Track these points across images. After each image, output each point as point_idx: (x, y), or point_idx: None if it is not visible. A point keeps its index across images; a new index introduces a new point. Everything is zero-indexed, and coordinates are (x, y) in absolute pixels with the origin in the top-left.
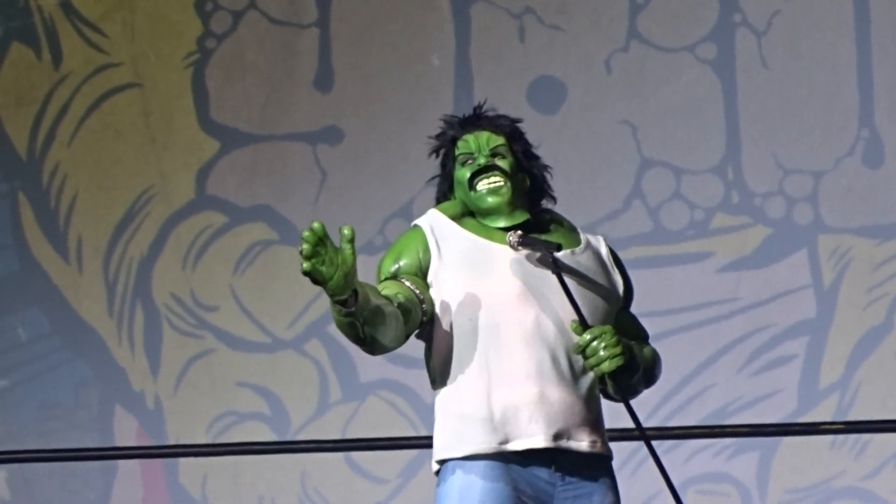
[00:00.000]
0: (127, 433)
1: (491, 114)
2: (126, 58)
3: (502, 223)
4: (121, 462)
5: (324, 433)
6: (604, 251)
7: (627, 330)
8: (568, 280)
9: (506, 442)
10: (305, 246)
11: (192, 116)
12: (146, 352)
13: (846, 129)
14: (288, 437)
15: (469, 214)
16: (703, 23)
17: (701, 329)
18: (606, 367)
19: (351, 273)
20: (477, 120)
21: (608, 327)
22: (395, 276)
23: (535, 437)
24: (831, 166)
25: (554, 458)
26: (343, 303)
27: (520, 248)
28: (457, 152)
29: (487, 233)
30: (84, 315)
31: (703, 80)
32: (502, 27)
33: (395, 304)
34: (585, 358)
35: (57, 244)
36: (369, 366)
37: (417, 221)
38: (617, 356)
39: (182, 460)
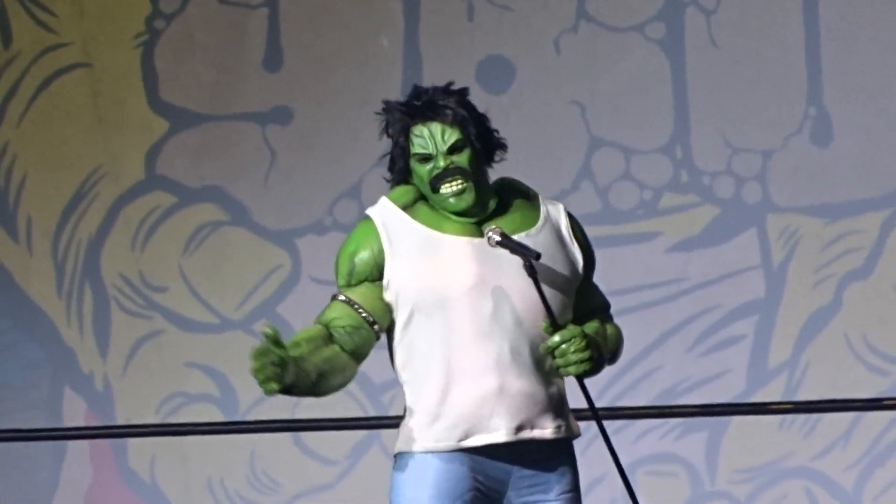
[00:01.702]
0: (76, 414)
1: (441, 100)
2: (75, 38)
3: (474, 220)
4: (70, 443)
5: (273, 414)
6: (563, 223)
7: (590, 303)
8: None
9: (466, 438)
10: (268, 370)
11: (142, 97)
12: (95, 333)
13: (795, 107)
14: (237, 418)
15: (422, 199)
16: (652, 2)
17: (650, 309)
18: (573, 370)
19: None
20: (428, 110)
21: (579, 330)
22: (349, 284)
23: (496, 433)
24: (780, 145)
25: (516, 448)
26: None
27: (497, 246)
28: (412, 146)
29: (440, 223)
30: (33, 296)
31: (653, 59)
32: (451, 7)
33: (340, 346)
34: (553, 358)
35: (6, 225)
36: None
37: (370, 213)
38: (585, 361)
39: (131, 441)
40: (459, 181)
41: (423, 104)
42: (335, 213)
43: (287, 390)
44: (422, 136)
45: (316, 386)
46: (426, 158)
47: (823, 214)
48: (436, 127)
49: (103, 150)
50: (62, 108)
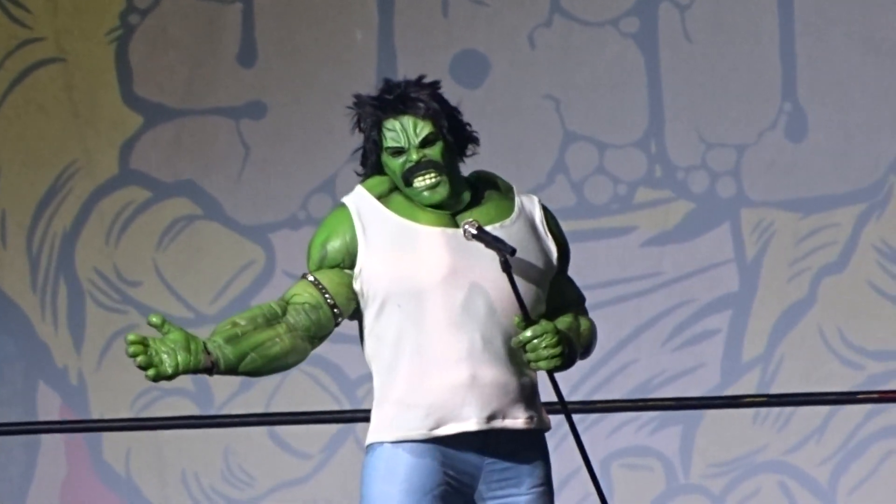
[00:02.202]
0: (50, 409)
1: (412, 93)
2: (49, 32)
3: (449, 211)
4: (44, 438)
5: (247, 408)
6: (537, 216)
7: (565, 296)
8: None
9: (437, 427)
10: (140, 358)
11: (116, 91)
12: (69, 327)
13: (769, 102)
14: (212, 412)
15: (396, 189)
16: None
17: (624, 303)
18: (544, 365)
19: (187, 346)
20: (400, 104)
21: (551, 326)
22: (319, 268)
23: (467, 421)
24: (754, 140)
25: (487, 438)
26: (207, 370)
27: (473, 239)
28: (384, 140)
29: (413, 213)
30: (7, 290)
31: (627, 54)
32: (425, 1)
33: (293, 325)
34: (525, 352)
35: None
36: None
37: (344, 200)
38: (556, 356)
39: (105, 436)
40: (433, 174)
41: (394, 98)
42: (309, 208)
43: (209, 371)
44: (394, 130)
45: (247, 371)
46: (398, 152)
47: (798, 209)
48: (408, 120)
49: (78, 145)
50: (36, 102)
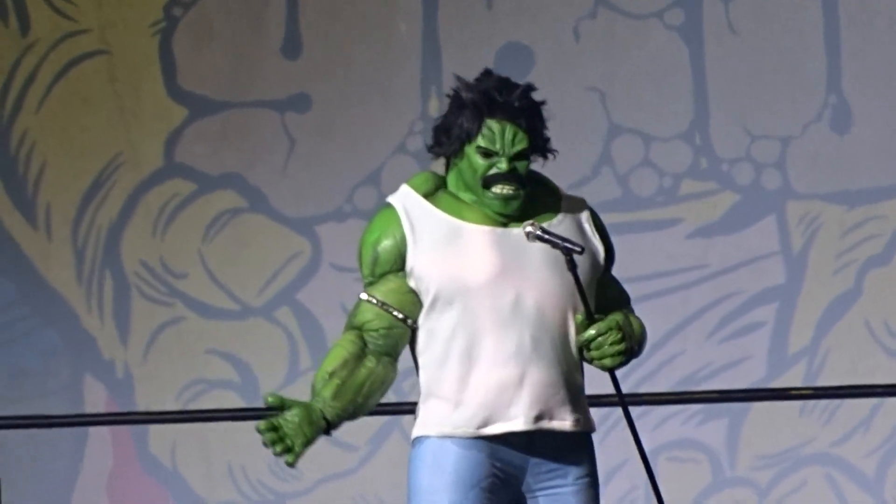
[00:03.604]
0: (96, 401)
1: (519, 104)
2: (93, 25)
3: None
4: (91, 430)
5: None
6: (584, 216)
7: (611, 296)
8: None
9: (485, 426)
10: (278, 447)
11: (160, 84)
12: (115, 320)
13: (814, 94)
14: (257, 405)
15: (443, 187)
16: None
17: (670, 296)
18: (609, 363)
19: (309, 419)
20: (508, 110)
21: (615, 322)
22: (373, 275)
23: (515, 421)
24: (799, 132)
25: (533, 438)
26: (326, 432)
27: (536, 240)
28: (480, 137)
29: (461, 211)
30: (53, 283)
31: (671, 46)
32: None
33: (375, 352)
34: (588, 350)
35: (26, 212)
36: (338, 333)
37: (391, 200)
38: (620, 353)
39: (152, 428)
40: (514, 188)
41: (504, 102)
42: (355, 201)
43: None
44: (492, 132)
45: (356, 414)
46: (489, 154)
47: (843, 201)
48: (510, 129)
49: (122, 138)
50: (81, 95)
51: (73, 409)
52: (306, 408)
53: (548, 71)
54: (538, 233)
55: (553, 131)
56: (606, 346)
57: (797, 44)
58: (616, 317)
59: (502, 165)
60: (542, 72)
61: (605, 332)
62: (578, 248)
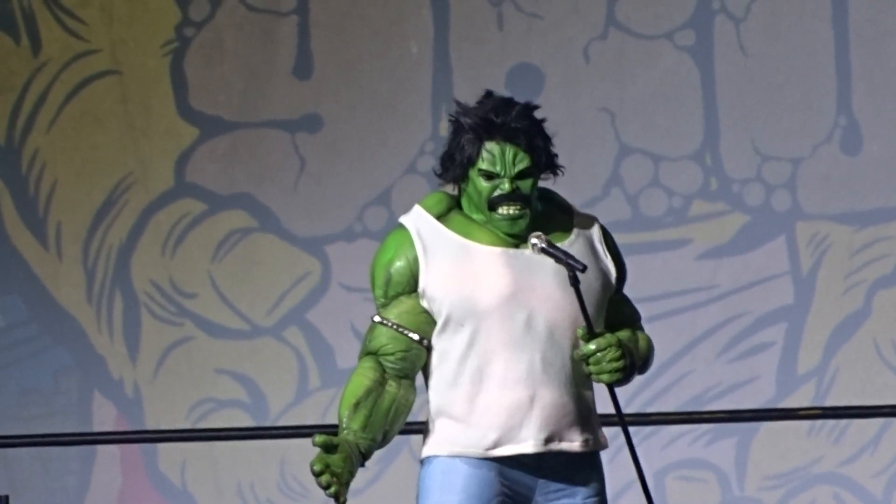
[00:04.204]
0: (106, 420)
1: (517, 125)
2: (105, 45)
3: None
4: (100, 448)
5: (303, 420)
6: (596, 236)
7: (621, 314)
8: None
9: (494, 447)
10: (333, 489)
11: (171, 103)
12: (125, 339)
13: (824, 115)
14: (267, 424)
15: (455, 208)
16: (682, 10)
17: (679, 316)
18: (606, 378)
19: (350, 458)
20: (507, 131)
21: (614, 339)
22: (386, 296)
23: (525, 443)
24: (809, 153)
25: (543, 460)
26: (361, 465)
27: (541, 253)
28: (481, 161)
29: (473, 232)
30: (63, 302)
31: (682, 66)
32: (481, 14)
33: (394, 375)
34: (587, 365)
35: (36, 231)
36: (348, 353)
37: (403, 221)
38: (618, 370)
39: (161, 447)
40: (519, 207)
41: (502, 123)
42: (365, 220)
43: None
44: (493, 154)
45: (385, 441)
46: (491, 176)
47: (852, 222)
48: (510, 149)
49: (133, 157)
50: (92, 114)
51: (82, 428)
52: (347, 448)
53: (558, 91)
54: (543, 245)
55: (563, 151)
56: (605, 363)
57: (807, 64)
58: (620, 334)
59: (505, 186)
60: (552, 92)
61: (605, 349)
62: (581, 267)
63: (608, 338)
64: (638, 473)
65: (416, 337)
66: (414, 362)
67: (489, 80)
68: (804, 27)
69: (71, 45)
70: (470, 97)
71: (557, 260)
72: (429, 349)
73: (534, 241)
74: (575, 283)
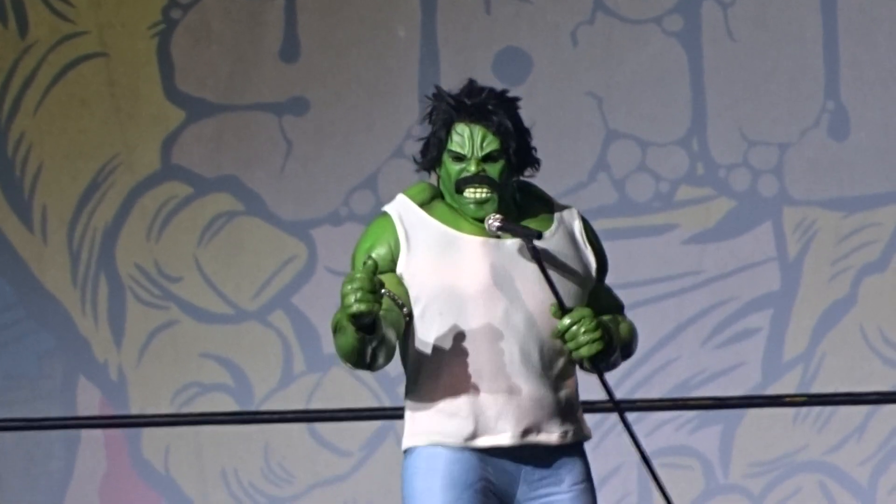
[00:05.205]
0: (90, 404)
1: (491, 105)
2: (92, 27)
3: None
4: (84, 433)
5: (287, 405)
6: (577, 227)
7: (603, 304)
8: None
9: (472, 438)
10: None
11: (158, 86)
12: (110, 322)
13: (812, 101)
14: (251, 409)
15: (438, 196)
16: None
17: (665, 301)
18: (585, 351)
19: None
20: (476, 112)
21: (588, 311)
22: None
23: (502, 435)
24: (796, 138)
25: (522, 452)
26: (368, 328)
27: (499, 232)
28: (450, 142)
29: (456, 221)
30: (48, 285)
31: (670, 52)
32: None
33: (390, 323)
34: (564, 342)
35: (21, 214)
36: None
37: (386, 209)
38: (596, 341)
39: (145, 432)
40: (485, 190)
41: (472, 104)
42: (351, 204)
43: (370, 328)
44: (461, 136)
45: (382, 341)
46: (460, 158)
47: (840, 208)
48: (478, 130)
49: (119, 140)
50: (78, 97)
51: (66, 412)
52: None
53: (545, 76)
54: (497, 223)
55: (550, 136)
56: (581, 336)
57: (796, 50)
58: (601, 317)
59: (471, 167)
60: (539, 77)
61: (579, 320)
62: (535, 234)
63: (580, 310)
64: (641, 457)
65: (399, 301)
66: (396, 323)
67: (476, 64)
68: (792, 12)
69: (58, 27)
70: (457, 81)
71: (514, 234)
72: (406, 321)
73: (489, 222)
74: (535, 254)
